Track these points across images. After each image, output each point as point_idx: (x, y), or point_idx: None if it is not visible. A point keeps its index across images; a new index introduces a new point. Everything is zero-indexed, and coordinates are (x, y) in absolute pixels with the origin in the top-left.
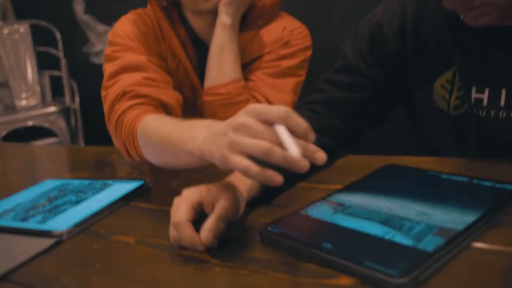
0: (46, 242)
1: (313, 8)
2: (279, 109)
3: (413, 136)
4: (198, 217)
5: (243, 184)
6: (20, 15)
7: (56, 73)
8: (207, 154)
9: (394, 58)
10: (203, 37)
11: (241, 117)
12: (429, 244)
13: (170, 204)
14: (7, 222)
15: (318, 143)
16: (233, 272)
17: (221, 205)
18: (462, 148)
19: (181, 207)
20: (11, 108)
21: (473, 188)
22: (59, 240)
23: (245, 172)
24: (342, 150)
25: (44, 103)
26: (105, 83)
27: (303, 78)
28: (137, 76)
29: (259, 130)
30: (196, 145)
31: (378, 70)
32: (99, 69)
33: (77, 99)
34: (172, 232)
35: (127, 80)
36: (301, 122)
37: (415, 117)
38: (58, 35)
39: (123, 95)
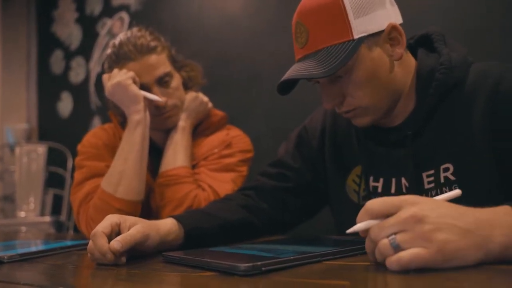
0: None
1: None
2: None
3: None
4: (114, 235)
5: (164, 225)
6: (42, 137)
7: (60, 192)
8: None
9: (315, 155)
10: (161, 145)
11: None
12: (285, 256)
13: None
14: None
15: (245, 219)
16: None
17: (133, 227)
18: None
19: (102, 223)
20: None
21: (338, 240)
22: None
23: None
24: (272, 234)
25: (41, 215)
26: (72, 189)
27: (244, 173)
28: (96, 182)
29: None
30: None
31: (302, 166)
32: None
33: (73, 217)
34: (90, 243)
35: (89, 186)
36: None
37: (332, 208)
38: (69, 158)
39: (85, 199)
